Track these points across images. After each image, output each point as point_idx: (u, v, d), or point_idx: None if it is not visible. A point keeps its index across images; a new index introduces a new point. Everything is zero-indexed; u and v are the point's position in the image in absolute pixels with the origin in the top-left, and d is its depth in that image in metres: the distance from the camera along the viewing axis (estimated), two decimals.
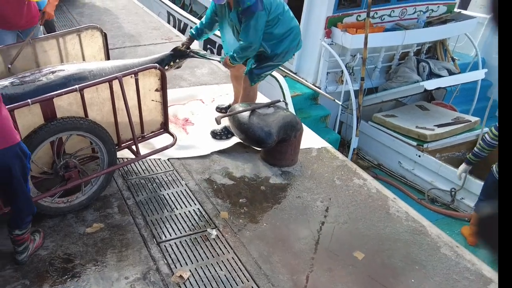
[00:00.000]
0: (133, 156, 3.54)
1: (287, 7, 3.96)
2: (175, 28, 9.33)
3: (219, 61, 4.28)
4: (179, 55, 4.17)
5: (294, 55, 4.52)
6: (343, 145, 8.08)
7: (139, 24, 7.42)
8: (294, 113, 6.63)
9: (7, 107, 2.65)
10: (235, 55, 3.88)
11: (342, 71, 7.77)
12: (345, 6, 7.70)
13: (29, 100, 2.79)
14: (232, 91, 4.79)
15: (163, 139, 4.08)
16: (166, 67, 4.04)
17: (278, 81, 6.78)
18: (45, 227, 3.18)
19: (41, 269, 2.86)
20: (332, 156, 4.28)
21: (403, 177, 7.65)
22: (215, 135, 4.30)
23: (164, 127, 3.67)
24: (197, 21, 8.98)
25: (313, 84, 7.94)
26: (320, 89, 7.86)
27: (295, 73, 8.26)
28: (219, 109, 4.81)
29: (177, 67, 4.27)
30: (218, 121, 3.83)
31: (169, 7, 9.82)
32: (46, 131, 2.89)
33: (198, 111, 4.84)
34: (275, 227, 3.34)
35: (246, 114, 3.82)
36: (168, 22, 9.77)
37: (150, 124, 3.57)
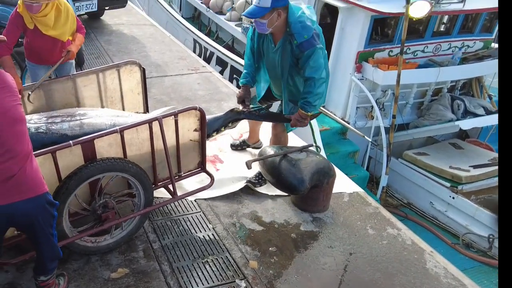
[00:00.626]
0: (169, 196, 3.60)
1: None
2: (201, 56, 9.53)
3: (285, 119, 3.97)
4: (233, 118, 4.06)
5: None
6: (371, 181, 8.01)
7: (166, 54, 7.59)
8: (325, 156, 6.65)
9: (49, 148, 2.83)
10: (309, 99, 3.58)
11: (372, 107, 7.77)
12: (376, 41, 7.74)
13: (70, 142, 2.91)
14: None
15: (193, 179, 4.14)
16: (214, 134, 4.00)
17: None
18: (69, 270, 3.19)
19: None
20: (365, 202, 4.22)
21: (435, 218, 7.51)
22: (253, 184, 4.22)
23: (202, 166, 3.74)
24: (224, 50, 9.23)
25: (341, 119, 7.96)
26: (349, 124, 7.87)
27: (323, 106, 8.28)
28: (234, 147, 4.77)
29: (231, 128, 4.23)
30: (248, 166, 3.82)
31: (195, 34, 10.05)
32: (96, 168, 3.01)
33: (226, 148, 4.86)
34: (307, 280, 3.28)
35: (277, 158, 3.81)
36: (194, 49, 9.98)
37: (187, 163, 3.65)
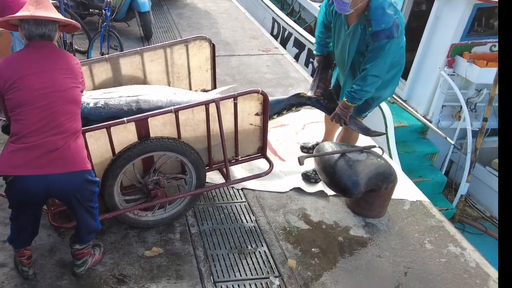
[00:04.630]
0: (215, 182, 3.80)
1: (404, 41, 3.71)
2: (278, 36, 9.56)
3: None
4: (296, 103, 4.13)
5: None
6: (449, 187, 7.67)
7: (238, 31, 7.72)
8: (395, 156, 6.45)
9: (104, 123, 3.10)
10: (356, 90, 3.55)
11: (460, 106, 7.39)
12: (477, 33, 7.30)
13: (124, 119, 3.14)
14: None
15: (242, 167, 4.25)
16: (275, 116, 4.09)
17: (381, 109, 6.63)
18: (106, 241, 3.45)
19: (95, 285, 3.11)
20: (427, 213, 4.07)
21: None
22: (308, 178, 4.26)
23: (262, 152, 3.85)
24: (303, 31, 9.19)
25: (423, 116, 7.68)
26: (431, 122, 7.58)
27: (404, 101, 8.03)
28: (305, 150, 4.72)
29: (295, 111, 4.28)
30: (301, 162, 3.81)
31: (275, 13, 10.08)
32: (161, 144, 3.27)
33: (284, 139, 4.89)
34: None
35: (335, 157, 3.77)
36: (272, 29, 10.04)
37: (246, 148, 3.77)
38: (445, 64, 7.37)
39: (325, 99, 4.11)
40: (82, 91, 2.81)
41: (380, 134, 4.11)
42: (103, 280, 3.15)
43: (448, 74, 7.29)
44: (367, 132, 3.94)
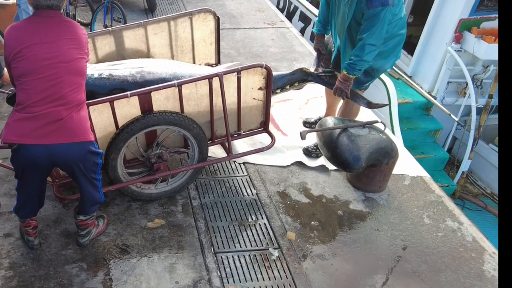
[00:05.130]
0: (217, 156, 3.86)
1: (404, 12, 3.74)
2: (283, 10, 9.47)
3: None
4: (299, 78, 4.17)
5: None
6: (451, 164, 7.70)
7: (243, 4, 7.66)
8: (398, 132, 6.46)
9: (108, 97, 3.12)
10: (355, 62, 3.56)
11: (466, 83, 7.34)
12: (487, 8, 7.19)
13: (128, 93, 3.17)
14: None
15: (245, 142, 4.29)
16: (278, 91, 4.13)
17: (385, 85, 6.61)
18: (110, 213, 3.52)
19: (99, 255, 3.20)
20: (427, 188, 4.11)
21: None
22: (309, 153, 4.31)
23: (264, 127, 3.88)
24: (309, 5, 9.10)
25: (428, 93, 7.64)
26: (435, 99, 7.53)
27: (409, 77, 7.98)
28: (308, 125, 4.75)
29: (297, 89, 4.32)
30: (303, 136, 3.84)
31: None
32: (163, 118, 3.29)
33: (288, 114, 4.91)
34: (344, 260, 3.33)
35: (336, 132, 3.80)
36: (278, 2, 9.94)
37: (248, 122, 3.80)
38: (453, 39, 7.29)
39: (326, 75, 4.14)
40: (87, 62, 2.83)
41: (382, 105, 4.12)
42: (106, 250, 3.23)
43: (455, 50, 7.22)
44: (369, 104, 3.96)
